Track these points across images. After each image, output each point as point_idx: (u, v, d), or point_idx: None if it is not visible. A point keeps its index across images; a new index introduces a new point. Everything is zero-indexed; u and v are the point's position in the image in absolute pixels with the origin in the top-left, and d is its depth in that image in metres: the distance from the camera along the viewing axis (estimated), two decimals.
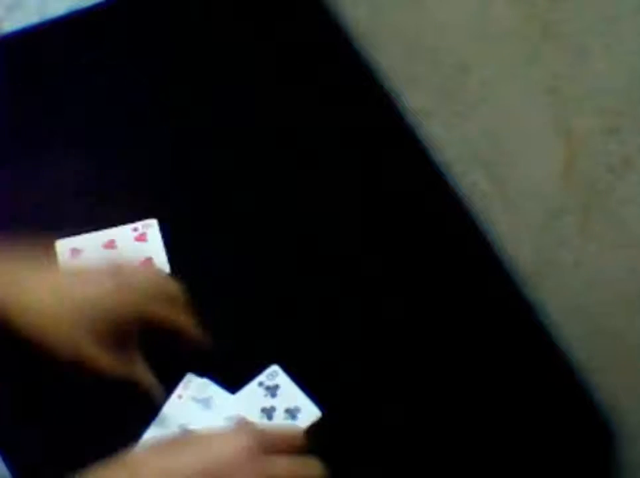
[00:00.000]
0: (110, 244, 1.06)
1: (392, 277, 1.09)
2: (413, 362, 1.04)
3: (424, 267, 1.10)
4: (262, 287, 1.06)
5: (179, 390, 0.97)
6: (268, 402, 0.96)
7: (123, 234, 1.06)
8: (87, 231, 1.06)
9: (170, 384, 0.97)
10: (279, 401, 0.97)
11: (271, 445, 0.84)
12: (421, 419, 1.00)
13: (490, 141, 1.07)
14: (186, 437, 0.89)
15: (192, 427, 0.95)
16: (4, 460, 0.94)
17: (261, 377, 0.98)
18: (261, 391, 0.97)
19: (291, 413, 0.96)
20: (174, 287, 0.97)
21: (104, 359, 0.92)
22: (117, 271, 0.95)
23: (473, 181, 1.13)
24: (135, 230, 1.07)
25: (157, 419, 0.95)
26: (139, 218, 1.07)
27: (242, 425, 0.91)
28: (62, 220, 1.08)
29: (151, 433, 0.95)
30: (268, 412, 0.96)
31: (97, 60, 1.21)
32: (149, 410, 0.96)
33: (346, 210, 1.13)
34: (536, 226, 1.05)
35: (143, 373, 0.96)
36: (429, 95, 1.16)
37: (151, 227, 1.07)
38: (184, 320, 0.96)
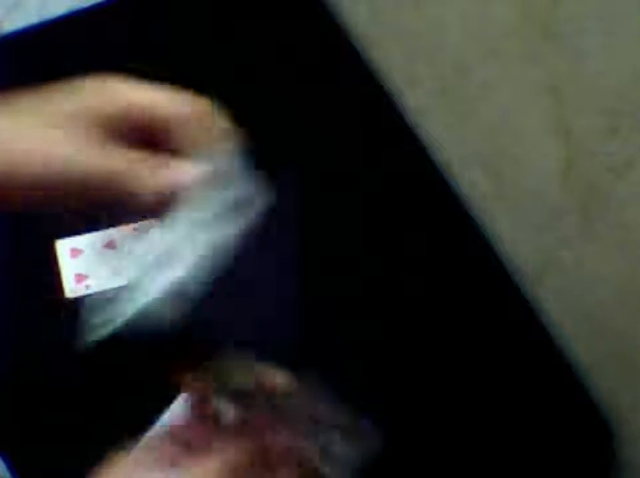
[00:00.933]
0: (110, 244, 1.06)
1: (392, 277, 1.09)
2: (413, 362, 1.04)
3: (424, 267, 1.10)
4: (262, 286, 1.06)
5: None
6: None
7: (123, 234, 1.07)
8: (87, 231, 1.06)
9: None
10: None
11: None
12: (420, 419, 1.00)
13: (490, 141, 1.07)
14: None
15: None
16: (4, 460, 0.94)
17: None
18: None
19: None
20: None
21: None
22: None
23: (473, 181, 1.12)
24: (136, 230, 1.07)
25: None
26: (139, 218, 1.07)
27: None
28: (62, 220, 1.08)
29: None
30: None
31: (97, 60, 1.21)
32: (149, 412, 0.96)
33: (346, 210, 1.13)
34: (536, 226, 1.05)
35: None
36: (429, 95, 1.16)
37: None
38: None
